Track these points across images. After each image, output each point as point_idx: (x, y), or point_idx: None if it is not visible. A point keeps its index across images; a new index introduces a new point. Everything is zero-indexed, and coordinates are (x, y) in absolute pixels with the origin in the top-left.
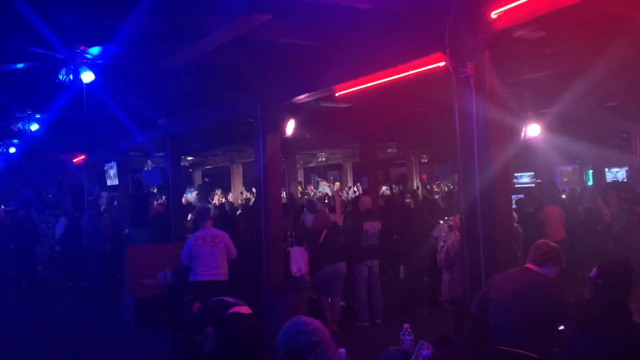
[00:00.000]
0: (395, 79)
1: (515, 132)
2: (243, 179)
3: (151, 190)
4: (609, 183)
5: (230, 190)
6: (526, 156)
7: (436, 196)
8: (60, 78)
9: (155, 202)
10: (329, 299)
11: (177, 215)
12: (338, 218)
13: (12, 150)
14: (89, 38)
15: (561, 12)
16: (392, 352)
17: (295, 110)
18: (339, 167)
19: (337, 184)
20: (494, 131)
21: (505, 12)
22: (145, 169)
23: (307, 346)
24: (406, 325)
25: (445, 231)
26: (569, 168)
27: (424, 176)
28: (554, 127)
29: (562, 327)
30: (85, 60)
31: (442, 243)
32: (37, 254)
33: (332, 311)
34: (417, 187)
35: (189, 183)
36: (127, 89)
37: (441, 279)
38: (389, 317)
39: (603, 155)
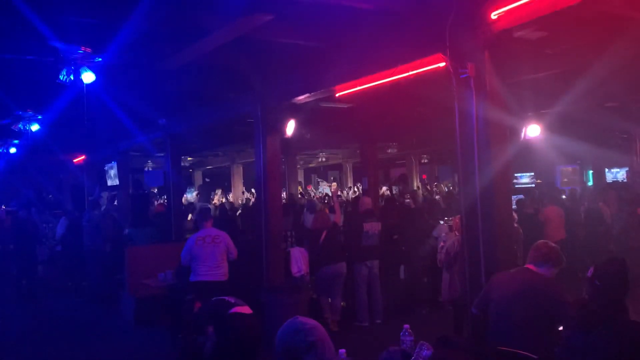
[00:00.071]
0: (396, 79)
1: (515, 132)
2: (243, 179)
3: (151, 190)
4: (609, 183)
5: (230, 191)
6: (526, 156)
7: (436, 196)
8: (61, 78)
9: (155, 202)
10: (329, 299)
11: (177, 215)
12: (338, 218)
13: (12, 150)
14: (89, 38)
15: (561, 12)
16: (392, 353)
17: (296, 111)
18: (339, 167)
19: (334, 184)
20: (494, 131)
21: (505, 12)
22: (146, 169)
23: (304, 345)
24: (406, 326)
25: (445, 231)
26: (569, 168)
27: (424, 176)
28: (554, 127)
29: (561, 328)
30: (85, 61)
31: (442, 243)
32: (38, 254)
33: (332, 311)
34: (418, 188)
35: (189, 183)
36: (128, 89)
37: (441, 279)
38: (389, 317)
39: (603, 155)
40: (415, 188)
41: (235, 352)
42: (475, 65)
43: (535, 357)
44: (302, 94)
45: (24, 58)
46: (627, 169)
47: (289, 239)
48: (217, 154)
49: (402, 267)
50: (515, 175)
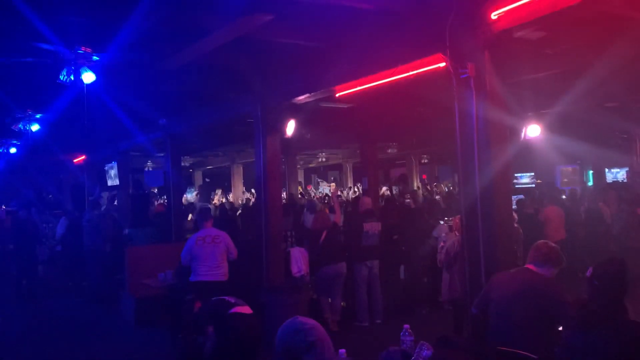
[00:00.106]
0: (396, 79)
1: (515, 132)
2: (243, 179)
3: (151, 190)
4: (609, 183)
5: (230, 191)
6: (526, 156)
7: (437, 197)
8: (61, 79)
9: (155, 202)
10: (329, 299)
11: (177, 215)
12: (338, 218)
13: (12, 150)
14: (89, 38)
15: (561, 12)
16: (392, 353)
17: (296, 111)
18: (339, 168)
19: (333, 184)
20: (494, 131)
21: (505, 12)
22: (146, 169)
23: (303, 345)
24: (406, 326)
25: (445, 231)
26: (569, 168)
27: (424, 176)
28: (554, 127)
29: (561, 328)
30: (86, 61)
31: (442, 243)
32: (38, 254)
33: (332, 311)
34: (418, 188)
35: (189, 183)
36: (128, 89)
37: (441, 279)
38: (389, 317)
39: (603, 155)
40: (415, 188)
41: (235, 352)
42: (475, 66)
43: (535, 357)
44: (302, 94)
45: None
46: (627, 169)
47: (289, 239)
48: (217, 154)
49: (402, 267)
50: (516, 175)
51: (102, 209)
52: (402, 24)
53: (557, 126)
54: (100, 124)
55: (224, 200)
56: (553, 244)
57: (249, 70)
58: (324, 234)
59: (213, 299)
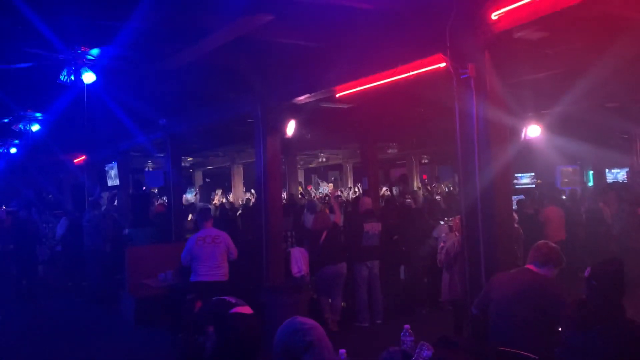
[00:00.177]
0: (396, 79)
1: (515, 132)
2: (244, 179)
3: (152, 190)
4: (610, 184)
5: (230, 191)
6: (527, 157)
7: (437, 197)
8: (62, 79)
9: (155, 202)
10: (329, 299)
11: (177, 215)
12: (338, 219)
13: (13, 150)
14: (90, 39)
15: (562, 13)
16: (392, 353)
17: (296, 111)
18: (339, 168)
19: (331, 185)
20: (494, 132)
21: (505, 13)
22: (146, 169)
23: (302, 345)
24: (407, 326)
25: (446, 232)
26: (570, 169)
27: (425, 177)
28: (554, 127)
29: (561, 328)
30: (86, 61)
31: (442, 244)
32: (38, 254)
33: (332, 312)
34: (419, 188)
35: (189, 183)
36: (128, 89)
37: (441, 280)
38: (389, 317)
39: (603, 156)
40: (415, 188)
41: (235, 352)
42: (475, 66)
43: (535, 357)
44: (303, 94)
45: (25, 59)
46: (627, 169)
47: (289, 239)
48: (217, 154)
49: (402, 268)
50: (516, 175)
51: (102, 209)
52: (402, 24)
53: (558, 126)
54: (101, 124)
55: (224, 200)
56: (553, 245)
57: (249, 70)
58: (324, 234)
59: (213, 299)
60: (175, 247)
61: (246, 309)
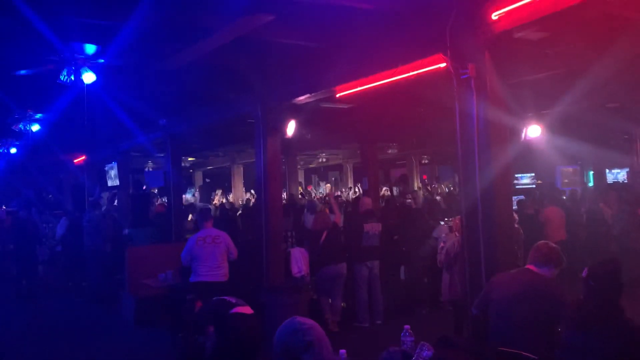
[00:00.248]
0: (396, 79)
1: (516, 132)
2: (244, 179)
3: (152, 190)
4: (610, 184)
5: (230, 191)
6: (527, 157)
7: (437, 197)
8: (62, 79)
9: (156, 202)
10: (330, 299)
11: (177, 215)
12: (338, 219)
13: (13, 150)
14: (90, 39)
15: (562, 13)
16: (392, 353)
17: (296, 111)
18: (339, 168)
19: (328, 186)
20: (494, 132)
21: (506, 13)
22: (146, 169)
23: (302, 345)
24: (407, 327)
25: (446, 232)
26: (570, 169)
27: (425, 177)
28: (554, 128)
29: (561, 328)
30: (86, 61)
31: (442, 244)
32: (38, 254)
33: (332, 312)
34: (419, 188)
35: (189, 183)
36: (128, 89)
37: (441, 280)
38: (389, 317)
39: (604, 156)
40: (415, 189)
41: (235, 352)
42: (475, 66)
43: (535, 357)
44: (303, 95)
45: (25, 60)
46: (627, 169)
47: (289, 240)
48: (217, 154)
49: (402, 268)
50: (516, 175)
51: (103, 209)
52: (402, 24)
53: (558, 127)
54: (101, 124)
55: (224, 200)
56: (553, 245)
57: (249, 70)
58: (324, 234)
59: (214, 299)
60: (175, 247)
61: (246, 309)
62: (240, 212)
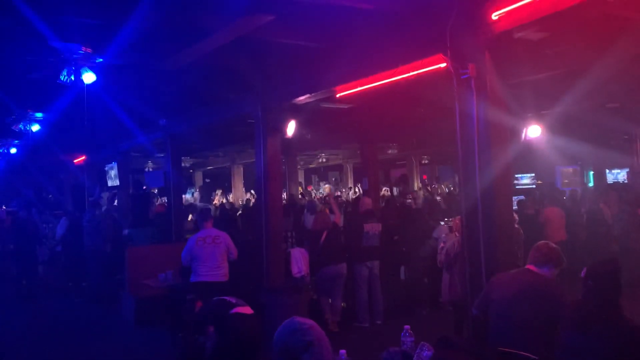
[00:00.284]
0: (396, 79)
1: (516, 133)
2: (244, 179)
3: (152, 190)
4: (610, 184)
5: (230, 191)
6: (527, 157)
7: (438, 198)
8: (62, 79)
9: (156, 202)
10: (330, 299)
11: (177, 215)
12: (338, 219)
13: (13, 150)
14: (89, 38)
15: (562, 13)
16: (392, 353)
17: (296, 111)
18: (339, 168)
19: (327, 186)
20: (494, 132)
21: (506, 13)
22: (146, 169)
23: (301, 345)
24: (407, 327)
25: (446, 232)
26: (570, 169)
27: (425, 177)
28: (554, 128)
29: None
30: (86, 61)
31: (442, 244)
32: (38, 254)
33: (332, 312)
34: (419, 189)
35: (189, 184)
36: (128, 90)
37: (441, 280)
38: (389, 318)
39: (604, 156)
40: (415, 189)
41: (235, 352)
42: (476, 66)
43: (535, 357)
44: (303, 95)
45: (25, 61)
46: (627, 169)
47: (290, 240)
48: (217, 154)
49: (402, 268)
50: (516, 176)
51: (103, 209)
52: (402, 24)
53: (558, 127)
54: (101, 124)
55: (224, 200)
56: (553, 245)
57: (249, 70)
58: (324, 234)
59: (214, 299)
60: (175, 247)
61: (246, 310)
62: (240, 212)
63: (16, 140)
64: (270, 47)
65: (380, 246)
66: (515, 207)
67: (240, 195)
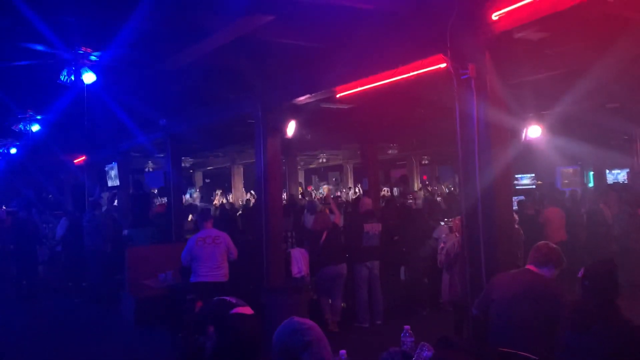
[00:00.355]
0: (396, 80)
1: (516, 133)
2: (244, 179)
3: (152, 190)
4: (610, 185)
5: (231, 191)
6: (527, 157)
7: (438, 198)
8: (62, 79)
9: (156, 202)
10: (330, 300)
11: (177, 215)
12: (338, 219)
13: (13, 150)
14: (90, 39)
15: (562, 13)
16: (392, 353)
17: (296, 111)
18: (339, 168)
19: (326, 187)
20: (494, 132)
21: (506, 13)
22: (146, 169)
23: (300, 345)
24: (407, 327)
25: (446, 232)
26: (570, 169)
27: (425, 177)
28: (555, 128)
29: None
30: (86, 61)
31: (442, 244)
32: (38, 255)
33: (332, 312)
34: (419, 189)
35: (190, 184)
36: (128, 90)
37: (441, 281)
38: (389, 318)
39: (604, 156)
40: (415, 189)
41: (235, 353)
42: (476, 66)
43: (535, 358)
44: (303, 95)
45: (25, 57)
46: (627, 170)
47: (290, 240)
48: (217, 154)
49: (402, 268)
50: (516, 176)
51: (103, 209)
52: (402, 25)
53: (558, 127)
54: (101, 124)
55: (224, 200)
56: (553, 245)
57: (249, 70)
58: (324, 234)
59: (214, 299)
60: (175, 247)
61: (246, 310)
62: (240, 212)
63: (16, 140)
64: (270, 47)
65: (380, 246)
66: (515, 208)
67: (240, 195)
